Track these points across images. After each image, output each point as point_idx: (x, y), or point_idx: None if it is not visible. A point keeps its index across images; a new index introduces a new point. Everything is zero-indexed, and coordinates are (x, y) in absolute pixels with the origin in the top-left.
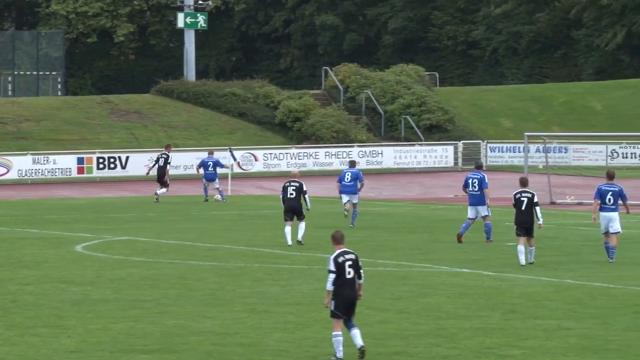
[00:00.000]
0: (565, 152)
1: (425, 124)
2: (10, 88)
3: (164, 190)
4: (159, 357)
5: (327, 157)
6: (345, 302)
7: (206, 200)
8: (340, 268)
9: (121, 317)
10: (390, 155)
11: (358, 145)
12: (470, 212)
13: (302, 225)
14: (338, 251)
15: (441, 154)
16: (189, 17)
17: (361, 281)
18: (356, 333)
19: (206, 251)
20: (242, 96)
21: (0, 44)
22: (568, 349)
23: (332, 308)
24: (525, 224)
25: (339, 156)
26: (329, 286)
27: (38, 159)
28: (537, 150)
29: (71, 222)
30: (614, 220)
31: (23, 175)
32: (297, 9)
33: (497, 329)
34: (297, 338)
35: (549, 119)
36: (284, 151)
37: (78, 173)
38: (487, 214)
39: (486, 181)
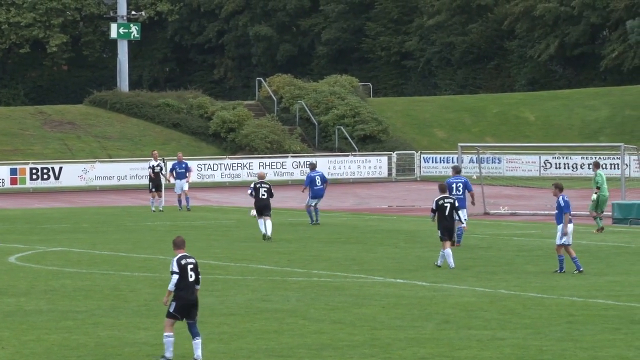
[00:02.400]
0: (498, 163)
1: (359, 134)
2: None
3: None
4: None
5: (261, 167)
6: (184, 304)
7: (188, 209)
8: (183, 270)
9: (55, 328)
10: (324, 166)
11: (292, 156)
12: None
13: (269, 223)
14: (180, 254)
15: (375, 165)
16: (122, 28)
17: (198, 287)
18: (198, 343)
19: (140, 262)
20: (175, 107)
21: None
22: (502, 359)
23: (172, 310)
24: (449, 229)
25: (273, 167)
26: (171, 287)
27: None
28: (471, 161)
29: (4, 232)
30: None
31: None
32: (231, 19)
33: (431, 340)
34: (232, 349)
35: (483, 130)
36: (217, 162)
37: (11, 184)
38: (466, 217)
39: (470, 184)
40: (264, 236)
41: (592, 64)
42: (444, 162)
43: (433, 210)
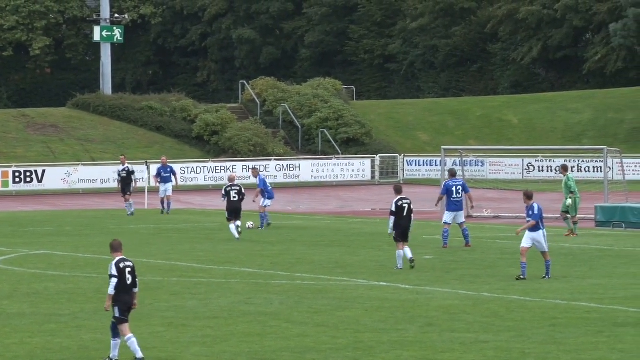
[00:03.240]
0: (482, 166)
1: (342, 137)
2: None
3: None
4: None
5: (245, 170)
6: (126, 307)
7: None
8: (121, 273)
9: (38, 331)
10: (308, 169)
11: (275, 159)
12: (449, 218)
13: (239, 223)
14: (118, 257)
15: (358, 168)
16: (105, 31)
17: (136, 290)
18: (117, 344)
19: None
20: (159, 110)
21: None
22: None
23: (117, 315)
24: (406, 229)
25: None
26: (111, 290)
27: None
28: (454, 164)
29: None
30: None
31: None
32: (214, 22)
33: (415, 342)
34: (215, 352)
35: (466, 133)
36: (201, 165)
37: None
38: (464, 220)
39: (467, 186)
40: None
41: (575, 67)
42: (427, 165)
43: (392, 212)
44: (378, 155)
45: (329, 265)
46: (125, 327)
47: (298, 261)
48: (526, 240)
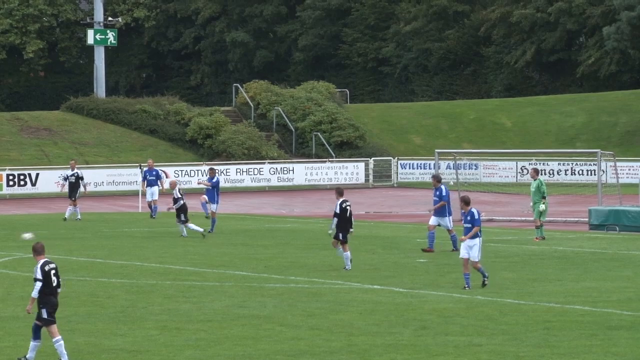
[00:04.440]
0: (475, 169)
1: (336, 140)
2: None
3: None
4: None
5: (238, 173)
6: (53, 309)
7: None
8: (47, 276)
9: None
10: (302, 172)
11: (269, 162)
12: (434, 222)
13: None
14: (42, 261)
15: (352, 171)
16: (98, 34)
17: (60, 290)
18: (36, 345)
19: (117, 268)
20: (152, 113)
21: None
22: None
23: (45, 316)
24: (347, 231)
25: (250, 173)
26: (35, 294)
27: None
28: (448, 167)
29: None
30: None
31: None
32: (208, 25)
33: (409, 346)
34: (209, 355)
35: (459, 136)
36: (194, 168)
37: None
38: (451, 226)
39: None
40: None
41: (568, 70)
42: (420, 169)
43: (336, 214)
44: (372, 159)
45: (322, 268)
46: (53, 329)
47: (292, 264)
48: (464, 250)
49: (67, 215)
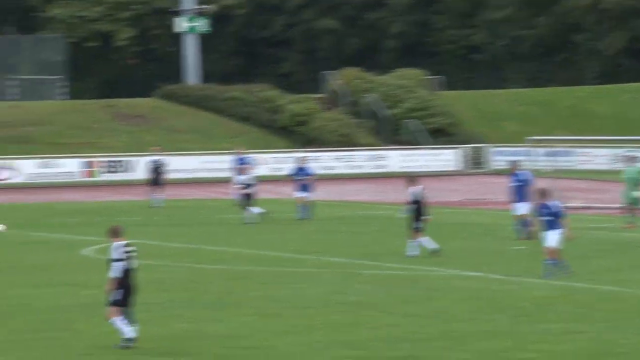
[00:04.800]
0: (570, 156)
1: (429, 128)
2: (13, 92)
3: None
4: None
5: (331, 161)
6: (128, 291)
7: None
8: (125, 258)
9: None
10: (395, 160)
11: (362, 149)
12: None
13: None
14: (120, 243)
15: (447, 158)
16: (189, 22)
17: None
18: (134, 329)
19: (213, 255)
20: (244, 100)
21: (3, 48)
22: (578, 352)
23: (117, 297)
24: (421, 219)
25: (343, 160)
26: (115, 274)
27: (44, 163)
28: (543, 154)
29: (77, 225)
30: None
31: (29, 179)
32: (297, 13)
33: (506, 333)
34: (307, 341)
35: (553, 123)
36: (287, 155)
37: (83, 177)
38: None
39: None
40: None
41: None
42: (515, 156)
43: (409, 202)
44: (466, 146)
45: (419, 255)
46: (116, 311)
47: (388, 251)
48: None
49: (158, 202)
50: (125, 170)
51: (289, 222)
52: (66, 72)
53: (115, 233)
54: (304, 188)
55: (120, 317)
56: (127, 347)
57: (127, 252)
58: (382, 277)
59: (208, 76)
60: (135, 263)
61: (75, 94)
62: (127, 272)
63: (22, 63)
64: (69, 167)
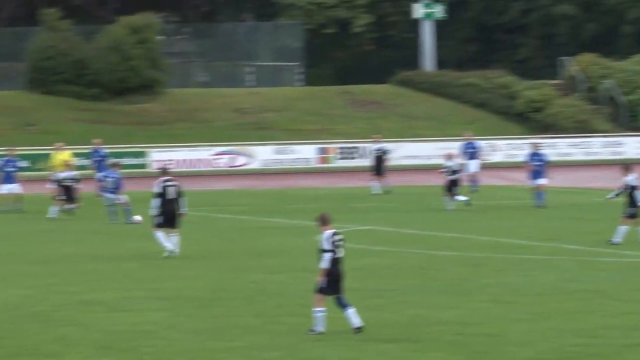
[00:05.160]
0: None
1: None
2: (251, 79)
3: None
4: (403, 347)
5: (567, 147)
6: (336, 279)
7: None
8: (334, 247)
9: (364, 306)
10: (632, 146)
11: (599, 136)
12: None
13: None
14: (330, 231)
15: None
16: (426, 8)
17: (342, 260)
18: (352, 312)
19: (447, 241)
20: (479, 86)
21: (241, 35)
22: None
23: (323, 285)
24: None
25: (579, 147)
26: (325, 264)
27: (279, 149)
28: None
29: (312, 211)
30: None
31: (265, 165)
32: None
33: None
34: (539, 329)
35: None
36: (522, 141)
37: (319, 163)
38: None
39: None
40: None
41: None
42: None
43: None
44: None
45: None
46: (319, 299)
47: (626, 240)
48: None
49: (376, 190)
50: (361, 157)
51: (522, 209)
52: (303, 59)
53: (324, 221)
54: (538, 174)
55: (323, 309)
56: (314, 334)
57: (335, 241)
58: (619, 265)
59: (443, 62)
60: (342, 251)
61: (311, 81)
62: (335, 261)
63: (260, 50)
64: (305, 153)
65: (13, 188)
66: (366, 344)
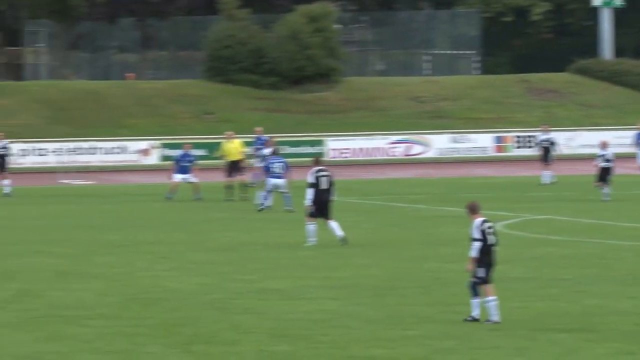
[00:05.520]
0: None
1: None
2: (427, 67)
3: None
4: (578, 337)
5: None
6: (489, 268)
7: None
8: (485, 235)
9: (540, 295)
10: None
11: None
12: None
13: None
14: (480, 219)
15: None
16: None
17: (495, 248)
18: (476, 303)
19: (627, 231)
20: None
21: (418, 23)
22: None
23: (481, 275)
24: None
25: None
26: (475, 253)
27: (456, 137)
28: None
29: (489, 200)
30: None
31: (441, 154)
32: None
33: None
34: None
35: None
36: None
37: (495, 152)
38: None
39: None
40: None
41: None
42: None
43: None
44: None
45: None
46: (488, 288)
47: None
48: None
49: (546, 179)
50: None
51: None
52: (480, 47)
53: (473, 209)
54: None
55: (493, 297)
56: (474, 321)
57: (485, 229)
58: None
59: (622, 51)
60: (493, 239)
61: (487, 69)
62: (487, 249)
63: (437, 38)
64: (481, 142)
65: (187, 178)
66: (540, 334)
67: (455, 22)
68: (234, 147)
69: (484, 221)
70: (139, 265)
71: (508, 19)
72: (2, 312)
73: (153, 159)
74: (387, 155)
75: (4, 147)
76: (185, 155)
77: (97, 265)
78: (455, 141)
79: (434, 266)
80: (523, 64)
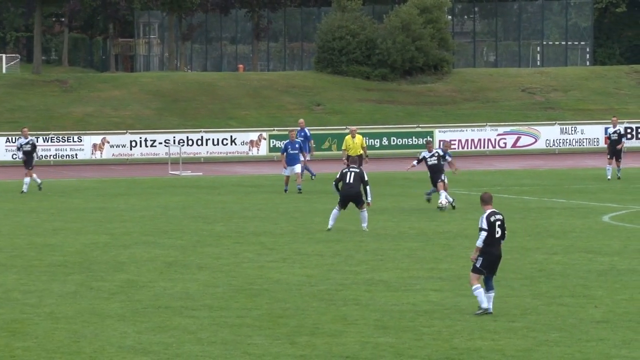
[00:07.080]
0: None
1: None
2: (538, 58)
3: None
4: None
5: None
6: (491, 260)
7: None
8: (491, 227)
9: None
10: None
11: None
12: None
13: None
14: (489, 211)
15: None
16: None
17: (503, 241)
18: (491, 296)
19: None
20: None
21: (530, 14)
22: None
23: (478, 265)
24: None
25: None
26: (480, 243)
27: (565, 129)
28: None
29: (598, 192)
30: None
31: (551, 145)
32: None
33: None
34: None
35: None
36: None
37: (605, 144)
38: None
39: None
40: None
41: None
42: None
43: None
44: None
45: None
46: (476, 278)
47: None
48: None
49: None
50: (636, 138)
51: None
52: (591, 38)
53: (484, 200)
54: None
55: (478, 285)
56: (485, 314)
57: (492, 221)
58: None
59: None
60: (499, 232)
61: (599, 60)
62: (493, 241)
63: (548, 29)
64: (591, 133)
65: (295, 169)
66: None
67: (567, 12)
68: (357, 142)
69: (492, 213)
70: (245, 256)
71: (621, 10)
72: (107, 303)
73: (262, 150)
74: (497, 146)
75: (28, 143)
76: (290, 144)
77: (203, 256)
78: (564, 132)
79: (539, 258)
80: (635, 55)
